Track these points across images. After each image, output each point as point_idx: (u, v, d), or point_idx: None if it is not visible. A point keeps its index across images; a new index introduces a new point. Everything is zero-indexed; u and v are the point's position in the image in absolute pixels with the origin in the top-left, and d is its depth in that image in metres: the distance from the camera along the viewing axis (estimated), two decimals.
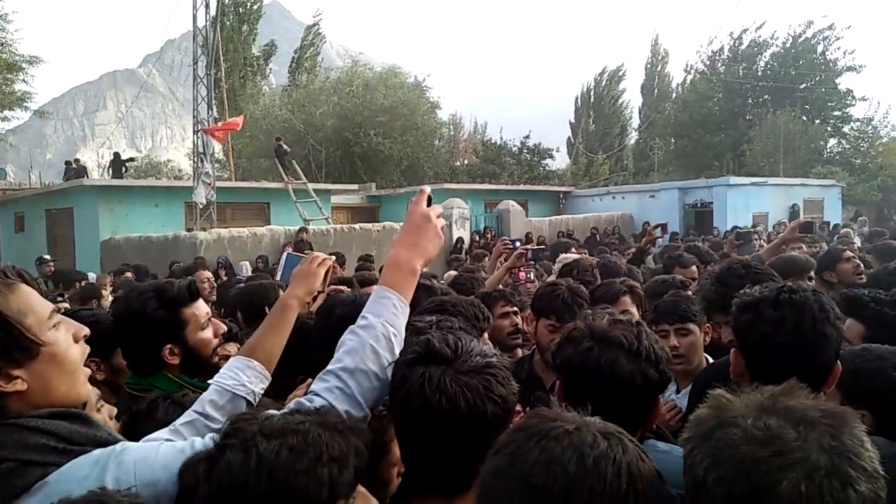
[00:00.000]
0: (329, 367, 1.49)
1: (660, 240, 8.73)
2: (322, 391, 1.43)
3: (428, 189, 1.79)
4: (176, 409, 1.69)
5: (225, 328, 2.29)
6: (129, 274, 9.45)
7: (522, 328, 3.42)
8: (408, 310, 1.60)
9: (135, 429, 1.64)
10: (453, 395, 1.27)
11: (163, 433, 1.48)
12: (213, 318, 2.24)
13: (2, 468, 1.18)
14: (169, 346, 2.08)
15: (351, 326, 1.54)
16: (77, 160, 21.70)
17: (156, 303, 2.08)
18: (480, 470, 1.08)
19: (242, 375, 1.68)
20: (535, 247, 5.12)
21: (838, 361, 1.76)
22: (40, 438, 1.23)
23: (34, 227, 19.37)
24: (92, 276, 10.86)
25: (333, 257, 2.15)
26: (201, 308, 2.18)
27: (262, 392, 1.74)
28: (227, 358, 1.86)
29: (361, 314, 1.56)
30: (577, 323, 1.78)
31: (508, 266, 4.68)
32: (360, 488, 1.16)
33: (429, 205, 1.74)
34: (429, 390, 1.29)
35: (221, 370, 1.72)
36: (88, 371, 1.43)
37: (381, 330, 1.50)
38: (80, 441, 1.27)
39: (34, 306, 1.32)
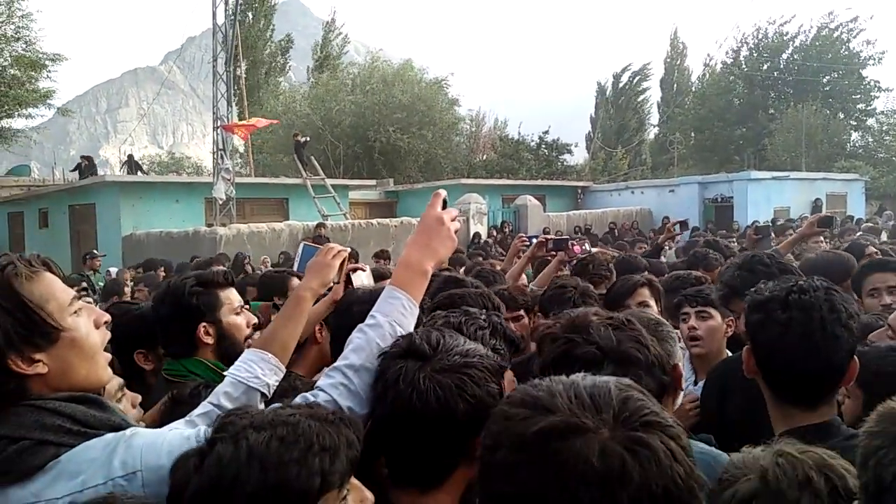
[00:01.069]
0: (336, 363, 1.51)
1: (679, 236, 8.60)
2: (327, 387, 1.46)
3: (444, 193, 1.81)
4: None
5: (255, 319, 2.37)
6: (160, 271, 9.56)
7: (524, 331, 3.33)
8: (417, 310, 1.62)
9: (174, 413, 1.69)
10: (424, 392, 1.30)
11: (180, 423, 1.51)
12: (244, 309, 2.35)
13: (19, 446, 1.23)
14: (204, 324, 2.19)
15: (359, 325, 1.57)
16: (90, 157, 22.38)
17: (194, 281, 2.24)
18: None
19: (257, 368, 1.70)
20: (558, 237, 4.93)
21: (855, 358, 1.73)
22: (57, 420, 1.28)
23: (57, 222, 19.67)
24: (114, 272, 11.02)
25: (348, 249, 2.16)
26: (234, 295, 2.32)
27: (277, 384, 1.76)
28: None
29: (370, 313, 1.58)
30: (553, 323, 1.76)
31: (529, 256, 4.58)
32: (354, 480, 1.16)
33: (444, 208, 1.75)
34: (402, 385, 1.32)
35: (236, 362, 1.75)
36: (108, 356, 1.48)
37: (388, 329, 1.52)
38: (95, 425, 1.32)
39: (56, 293, 1.37)
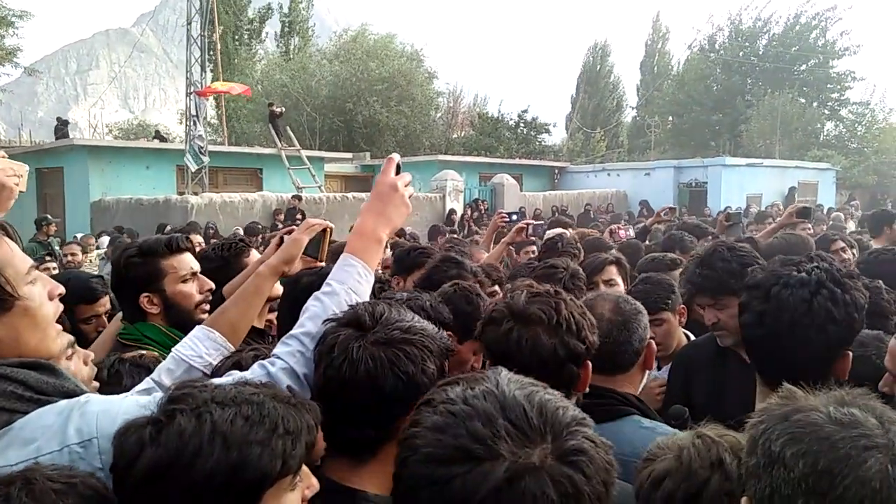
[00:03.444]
0: (292, 331, 1.49)
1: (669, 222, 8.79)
2: (284, 354, 1.44)
3: (397, 157, 1.78)
4: (140, 373, 1.71)
5: (212, 285, 2.31)
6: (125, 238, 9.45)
7: None
8: (372, 278, 1.62)
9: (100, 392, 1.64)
10: (355, 362, 1.29)
11: (131, 392, 1.48)
12: (199, 275, 2.29)
13: None
14: (147, 294, 2.18)
15: (315, 293, 1.55)
16: (65, 121, 21.47)
17: (134, 251, 2.22)
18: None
19: (201, 346, 1.68)
20: (536, 222, 4.93)
21: (847, 354, 1.71)
22: (8, 386, 1.24)
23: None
24: (79, 237, 10.79)
25: (330, 223, 2.08)
26: (184, 262, 2.26)
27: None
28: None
29: (326, 281, 1.57)
30: (498, 301, 1.78)
31: (508, 241, 4.51)
32: (305, 467, 1.14)
33: (397, 173, 1.72)
34: (336, 353, 1.32)
35: (183, 339, 1.72)
36: (59, 327, 1.45)
37: (345, 297, 1.52)
38: (48, 391, 1.28)
39: (14, 260, 1.34)
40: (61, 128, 21.30)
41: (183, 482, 1.00)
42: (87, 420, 1.21)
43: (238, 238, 3.17)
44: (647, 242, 5.85)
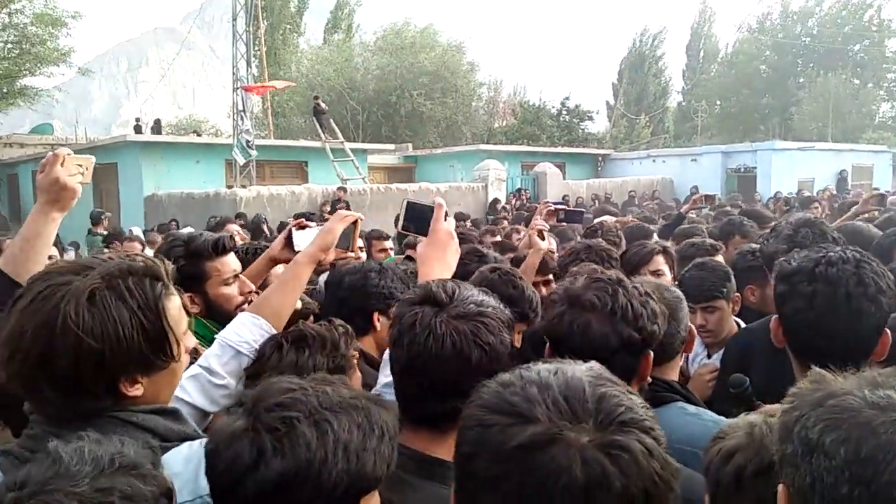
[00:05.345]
0: (386, 379, 1.56)
1: (705, 209, 8.44)
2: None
3: (443, 202, 1.84)
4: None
5: (252, 287, 2.30)
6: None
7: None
8: None
9: None
10: (441, 337, 1.33)
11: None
12: (240, 276, 2.27)
13: None
14: (189, 294, 2.11)
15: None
16: (157, 120, 23.82)
17: (181, 251, 2.19)
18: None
19: (247, 332, 1.70)
20: (571, 208, 4.73)
21: (888, 332, 1.70)
22: (140, 435, 1.24)
23: None
24: (136, 231, 11.14)
25: (358, 214, 2.07)
26: (227, 264, 2.23)
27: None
28: None
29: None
30: (557, 286, 1.79)
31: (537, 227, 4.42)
32: None
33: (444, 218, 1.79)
34: (418, 329, 1.35)
35: (228, 326, 1.74)
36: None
37: None
38: (172, 438, 1.29)
39: (181, 317, 1.33)
40: (156, 127, 23.39)
41: (309, 492, 1.03)
42: None
43: (262, 245, 3.05)
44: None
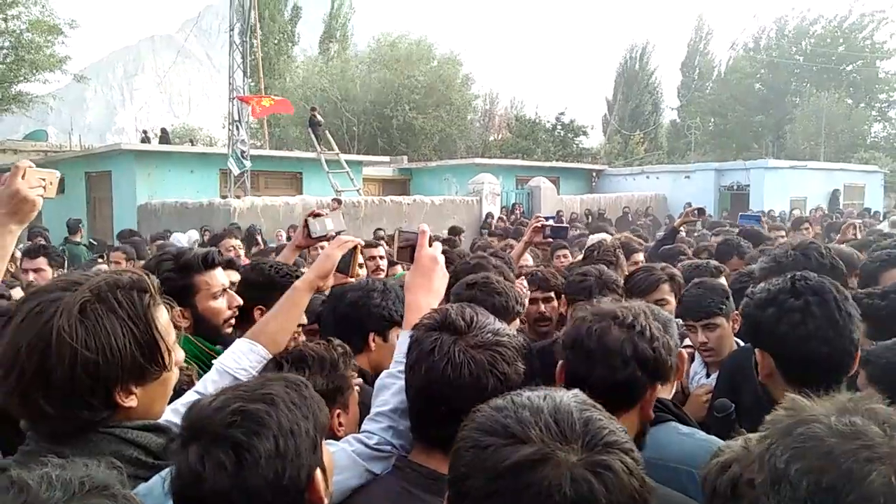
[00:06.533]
0: (379, 409, 1.56)
1: (697, 223, 8.48)
2: (378, 431, 1.52)
3: (427, 228, 1.83)
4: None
5: (239, 301, 2.32)
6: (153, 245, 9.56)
7: (555, 314, 3.32)
8: None
9: None
10: (459, 365, 1.35)
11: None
12: (228, 290, 2.29)
13: None
14: (178, 309, 2.10)
15: (387, 371, 1.62)
16: (164, 129, 24.05)
17: (171, 265, 2.21)
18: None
19: (245, 359, 1.72)
20: (556, 224, 4.67)
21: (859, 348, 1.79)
22: (133, 451, 1.27)
23: (74, 189, 19.78)
24: (181, 237, 11.00)
25: (360, 240, 2.09)
26: (216, 278, 2.25)
27: None
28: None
29: (394, 359, 1.62)
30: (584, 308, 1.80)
31: (527, 241, 4.41)
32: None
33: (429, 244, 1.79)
34: (437, 356, 1.37)
35: (226, 351, 1.76)
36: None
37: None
38: (163, 456, 1.30)
39: (170, 327, 1.36)
40: (164, 136, 23.67)
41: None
42: None
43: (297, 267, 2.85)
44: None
